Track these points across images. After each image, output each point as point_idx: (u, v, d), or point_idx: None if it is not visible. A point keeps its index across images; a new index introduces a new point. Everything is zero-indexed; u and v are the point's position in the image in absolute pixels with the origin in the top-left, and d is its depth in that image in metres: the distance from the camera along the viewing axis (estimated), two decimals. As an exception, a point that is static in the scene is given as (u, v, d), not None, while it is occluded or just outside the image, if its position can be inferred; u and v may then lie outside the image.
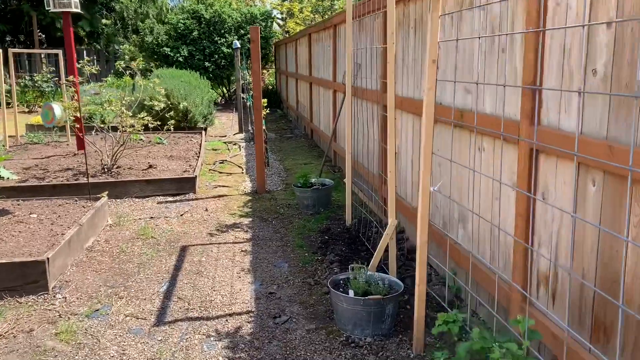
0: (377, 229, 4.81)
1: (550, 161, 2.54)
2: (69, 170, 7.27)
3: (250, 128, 10.68)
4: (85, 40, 21.23)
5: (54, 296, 3.83)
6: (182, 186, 6.59)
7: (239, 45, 12.15)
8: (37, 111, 15.33)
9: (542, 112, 2.57)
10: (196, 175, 6.68)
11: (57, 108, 5.03)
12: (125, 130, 6.98)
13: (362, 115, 5.94)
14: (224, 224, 5.49)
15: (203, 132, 10.81)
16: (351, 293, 3.22)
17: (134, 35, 19.49)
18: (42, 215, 5.01)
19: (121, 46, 15.86)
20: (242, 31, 18.71)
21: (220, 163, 8.83)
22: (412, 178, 4.61)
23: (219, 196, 6.57)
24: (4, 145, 8.81)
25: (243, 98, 12.67)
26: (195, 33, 18.18)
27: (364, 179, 6.01)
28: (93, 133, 7.21)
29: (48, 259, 3.83)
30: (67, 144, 9.28)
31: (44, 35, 19.50)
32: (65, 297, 3.82)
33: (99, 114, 7.47)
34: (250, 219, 5.65)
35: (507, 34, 2.82)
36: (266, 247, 4.84)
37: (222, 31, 18.52)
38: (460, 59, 3.50)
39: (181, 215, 5.80)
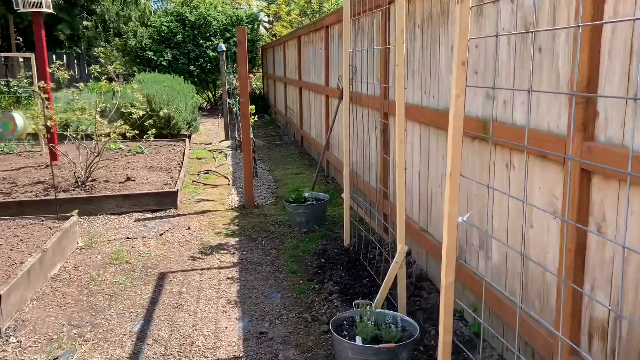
0: (379, 251, 4.30)
1: (609, 185, 2.05)
2: (40, 183, 6.67)
3: (237, 135, 10.14)
4: (66, 43, 20.54)
5: (7, 340, 3.27)
6: (163, 201, 6.03)
7: (224, 48, 11.61)
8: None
9: (597, 125, 2.08)
10: (178, 189, 6.13)
11: (18, 118, 4.47)
12: (100, 140, 6.41)
13: (360, 123, 5.44)
14: (209, 245, 4.94)
15: (187, 139, 10.24)
16: (358, 340, 2.70)
17: (116, 39, 18.86)
18: (1, 239, 4.43)
19: (96, 49, 15.25)
20: (227, 34, 18.17)
21: (205, 173, 8.27)
22: (419, 192, 4.11)
23: (203, 212, 6.02)
24: (-30, 156, 8.17)
25: (229, 103, 12.13)
26: (179, 36, 17.61)
27: (362, 193, 5.50)
28: (66, 142, 6.63)
29: (0, 295, 3.27)
30: (41, 154, 8.66)
31: (21, 39, 18.78)
32: (20, 341, 3.25)
33: (75, 122, 6.89)
34: (238, 239, 5.11)
35: (549, 29, 2.33)
36: (255, 272, 4.30)
37: (208, 34, 17.96)
38: (481, 61, 3.01)
39: (160, 235, 5.24)
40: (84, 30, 18.72)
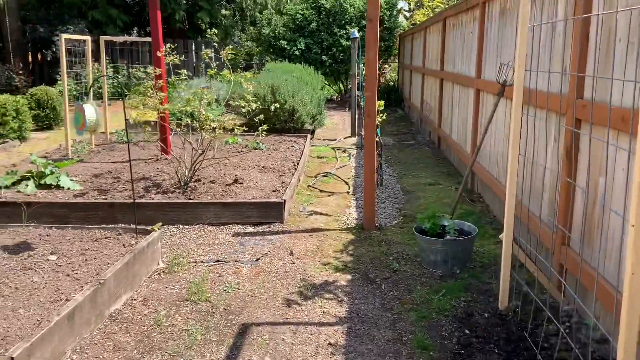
0: (554, 326, 2.82)
1: None
2: (143, 180, 6.02)
3: (362, 133, 8.91)
4: (206, 31, 20.87)
5: (18, 420, 2.37)
6: (268, 213, 5.01)
7: (357, 35, 10.44)
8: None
9: None
10: (284, 200, 5.06)
11: (89, 110, 3.67)
12: (206, 137, 5.56)
13: (528, 131, 3.92)
14: (311, 283, 3.79)
15: (309, 135, 9.25)
16: None
17: (251, 27, 18.64)
18: (63, 257, 3.66)
19: (208, 31, 14.78)
20: (364, 21, 17.00)
21: (323, 176, 7.18)
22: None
23: (313, 230, 4.89)
24: (88, 144, 7.90)
25: (358, 96, 10.95)
26: (313, 24, 16.82)
27: (527, 229, 3.98)
28: (178, 133, 5.90)
29: (12, 358, 2.38)
30: (156, 145, 8.18)
31: (166, 27, 19.32)
32: None
33: (177, 113, 6.16)
34: (350, 277, 3.90)
35: None
36: (369, 339, 3.05)
37: (342, 22, 16.96)
38: None
39: (256, 260, 4.20)
40: (222, 18, 18.73)
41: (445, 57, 8.34)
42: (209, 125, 5.47)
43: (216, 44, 8.52)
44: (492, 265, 4.05)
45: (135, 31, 20.44)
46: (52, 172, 5.69)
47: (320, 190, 6.37)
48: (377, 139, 8.80)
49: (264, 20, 17.34)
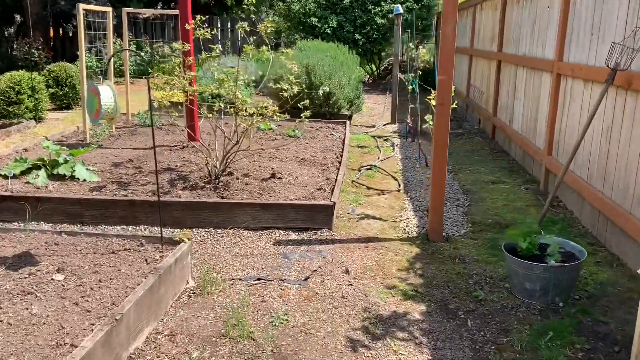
0: None
1: None
2: (168, 172, 5.31)
3: (407, 119, 8.08)
4: (234, 9, 19.99)
5: None
6: (314, 217, 4.25)
7: (401, 10, 9.52)
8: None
9: None
10: (334, 203, 4.29)
11: (105, 93, 2.93)
12: (240, 124, 4.81)
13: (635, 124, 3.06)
14: (377, 315, 3.03)
15: (347, 121, 8.44)
16: None
17: (279, 3, 17.71)
18: (72, 276, 2.95)
19: (240, 6, 13.86)
20: (400, -1, 15.97)
21: (367, 169, 6.39)
22: None
23: (368, 240, 4.12)
24: (108, 128, 7.21)
25: (403, 79, 10.06)
26: (346, 1, 15.84)
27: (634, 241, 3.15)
28: (215, 117, 5.13)
29: None
30: (183, 130, 7.46)
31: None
32: None
33: (208, 95, 5.40)
34: (424, 308, 3.13)
35: None
36: (468, 409, 2.29)
37: (378, -2, 15.95)
38: None
39: (305, 279, 3.45)
40: (250, -7, 17.88)
41: (506, 37, 7.41)
42: (246, 110, 4.70)
43: (252, 17, 7.73)
44: (601, 295, 3.24)
45: (159, 7, 19.68)
46: (66, 161, 5.01)
47: (368, 187, 5.58)
48: (409, 123, 8.01)
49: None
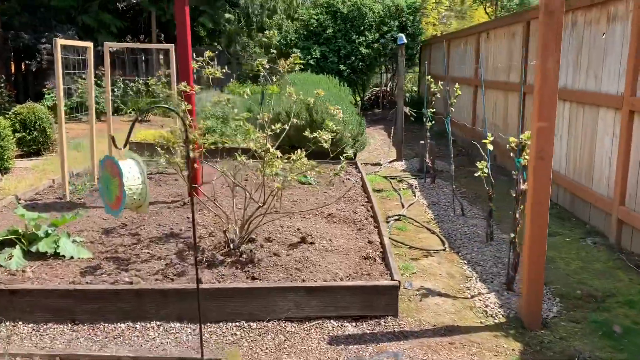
0: None
1: None
2: (173, 238, 4.36)
3: (427, 159, 7.31)
4: (206, 40, 19.16)
5: None
6: (373, 302, 3.35)
7: (404, 40, 8.87)
8: (148, 121, 13.12)
9: None
10: (399, 282, 3.40)
11: (130, 171, 2.05)
12: (267, 184, 3.91)
13: None
14: None
15: (358, 163, 7.62)
16: None
17: (259, 34, 17.02)
18: None
19: (237, 45, 13.46)
20: (385, 27, 15.47)
21: (395, 220, 5.56)
22: None
23: (448, 331, 3.25)
24: (89, 179, 6.19)
25: (407, 112, 9.37)
26: (329, 31, 15.24)
27: None
28: (216, 161, 4.21)
29: None
30: (176, 179, 6.49)
31: (163, 35, 17.63)
32: None
33: (220, 140, 4.49)
34: None
35: None
36: None
37: (361, 28, 15.42)
38: None
39: (396, 406, 2.55)
40: (226, 23, 17.10)
41: (529, 68, 6.77)
42: (276, 166, 3.80)
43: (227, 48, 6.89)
44: None
45: (129, 39, 18.71)
46: (47, 235, 3.98)
47: (409, 247, 4.73)
48: (428, 163, 7.27)
49: (274, 26, 15.73)
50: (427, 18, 21.64)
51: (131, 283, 3.46)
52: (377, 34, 15.42)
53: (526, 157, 3.58)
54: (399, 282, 3.38)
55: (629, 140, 4.41)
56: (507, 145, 3.66)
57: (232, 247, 4.03)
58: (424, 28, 18.48)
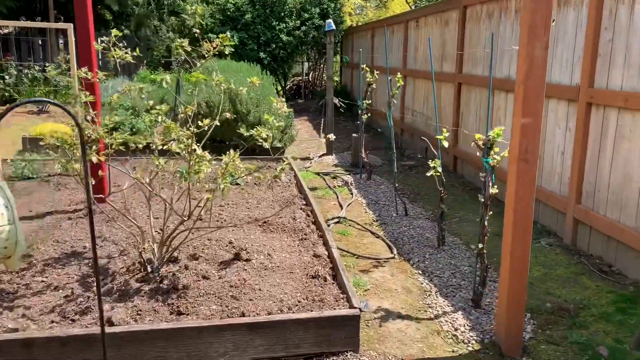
0: None
1: None
2: (74, 259, 3.54)
3: (362, 154, 6.84)
4: (112, 23, 17.61)
5: None
6: (328, 336, 2.77)
7: (333, 27, 8.33)
8: (48, 112, 11.70)
9: None
10: (359, 311, 2.84)
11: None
12: (207, 193, 3.22)
13: None
14: None
15: (289, 158, 7.00)
16: None
17: (172, 17, 15.81)
18: None
19: (148, 29, 12.27)
20: (305, 15, 14.89)
21: (335, 222, 5.04)
22: None
23: (418, 366, 2.76)
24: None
25: (337, 104, 8.87)
26: (248, 16, 14.42)
27: None
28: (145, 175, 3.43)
29: None
30: (81, 181, 5.55)
31: (62, 17, 15.93)
32: None
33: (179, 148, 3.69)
34: None
35: None
36: None
37: (282, 14, 14.73)
38: None
39: None
40: (134, 6, 15.73)
41: (468, 57, 6.46)
42: (204, 171, 3.11)
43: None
44: None
45: (23, 19, 16.77)
46: None
47: (356, 256, 4.21)
48: (363, 153, 6.81)
49: (188, 10, 14.66)
50: (344, 7, 21.30)
51: (16, 330, 2.65)
52: (299, 21, 14.81)
53: (495, 156, 3.16)
54: (360, 309, 2.82)
55: (586, 135, 4.13)
56: (472, 143, 3.21)
57: (150, 270, 3.30)
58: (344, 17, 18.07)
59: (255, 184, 5.72)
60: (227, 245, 3.80)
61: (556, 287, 3.64)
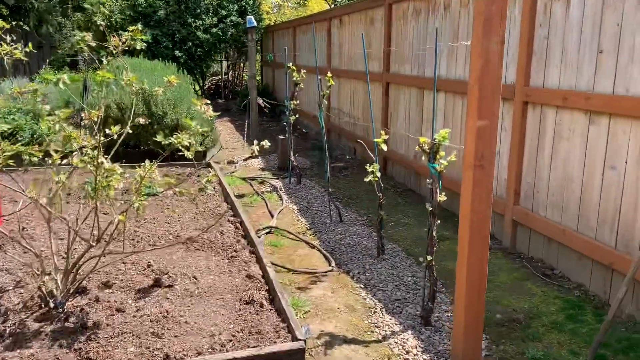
0: None
1: None
2: (-45, 299, 2.93)
3: (291, 158, 6.50)
4: (9, 19, 16.08)
5: None
6: (270, 372, 2.41)
7: (254, 23, 7.95)
8: None
9: None
10: (304, 343, 2.48)
11: None
12: (117, 214, 2.74)
13: None
14: None
15: (212, 164, 6.51)
16: None
17: (77, 14, 14.66)
18: None
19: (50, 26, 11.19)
20: (222, 11, 14.31)
21: (266, 233, 4.67)
22: None
23: (373, 399, 2.45)
24: None
25: (261, 104, 8.47)
26: (161, 12, 13.64)
27: None
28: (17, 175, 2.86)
29: None
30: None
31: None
32: None
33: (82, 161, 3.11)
34: None
35: None
36: None
37: (198, 11, 14.06)
38: None
39: None
40: (33, 1, 14.43)
41: (396, 56, 6.30)
42: (113, 187, 2.63)
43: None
44: None
45: None
46: None
47: (292, 271, 3.85)
48: (292, 158, 6.48)
49: (96, 5, 13.60)
50: (262, 6, 20.85)
51: None
52: (216, 18, 14.21)
53: (442, 161, 2.92)
54: (305, 341, 2.48)
55: (523, 135, 4.03)
56: (417, 147, 2.96)
57: (52, 305, 2.78)
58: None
59: (175, 193, 5.21)
60: (145, 269, 3.33)
61: (503, 295, 3.49)
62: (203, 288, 3.12)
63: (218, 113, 8.00)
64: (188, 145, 2.80)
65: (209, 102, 3.00)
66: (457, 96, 4.98)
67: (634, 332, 2.98)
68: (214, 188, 5.50)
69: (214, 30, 14.14)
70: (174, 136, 2.81)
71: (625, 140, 3.13)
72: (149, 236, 3.97)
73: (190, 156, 2.78)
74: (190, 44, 13.95)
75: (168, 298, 2.98)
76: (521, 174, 4.10)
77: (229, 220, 4.33)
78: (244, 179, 6.71)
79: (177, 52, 13.71)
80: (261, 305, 2.89)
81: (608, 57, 3.23)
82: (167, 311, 2.80)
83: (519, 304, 3.35)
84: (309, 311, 3.25)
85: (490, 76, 2.27)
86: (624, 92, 3.11)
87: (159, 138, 2.76)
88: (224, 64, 17.35)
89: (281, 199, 5.81)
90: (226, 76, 17.08)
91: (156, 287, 3.12)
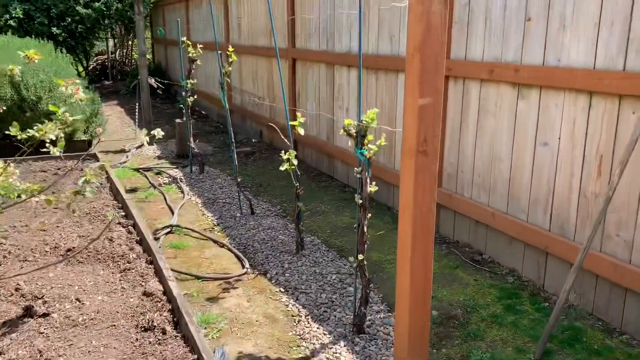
0: None
1: None
2: None
3: (191, 143, 5.86)
4: None
5: None
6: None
7: (141, -5, 7.07)
8: None
9: None
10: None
11: None
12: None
13: None
14: None
15: (98, 154, 5.70)
16: None
17: None
18: None
19: None
20: (104, -17, 12.98)
21: (167, 233, 4.08)
22: None
23: None
24: None
25: (153, 84, 7.66)
26: (31, -16, 12.09)
27: None
28: None
29: None
30: None
31: None
32: None
33: None
34: None
35: None
36: None
37: (76, -18, 12.64)
38: None
39: None
40: None
41: (302, 31, 5.83)
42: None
43: None
44: None
45: None
46: None
47: (200, 278, 3.32)
48: (192, 144, 5.85)
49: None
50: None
51: None
52: (98, -8, 12.88)
53: (371, 146, 2.53)
54: (221, 378, 2.00)
55: (444, 110, 3.75)
56: (341, 131, 2.54)
57: None
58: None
59: (52, 192, 4.43)
60: (12, 294, 2.66)
61: (435, 287, 3.21)
62: (89, 314, 2.52)
63: (96, 95, 7.09)
64: (55, 138, 2.17)
65: (78, 81, 2.36)
66: (370, 72, 4.62)
67: (576, 320, 2.81)
68: (101, 184, 4.78)
69: (97, 4, 12.83)
70: (35, 128, 2.16)
71: (558, 114, 2.92)
72: (18, 249, 3.25)
73: (57, 152, 2.16)
74: (69, 19, 12.55)
75: (42, 332, 2.35)
76: (443, 153, 3.84)
77: (119, 223, 3.69)
78: (137, 169, 5.97)
79: (54, 29, 12.27)
80: (163, 332, 2.36)
81: (537, 25, 2.99)
82: (40, 351, 2.19)
83: (454, 297, 3.09)
84: (223, 328, 2.76)
85: (433, 44, 1.88)
86: (556, 63, 2.89)
87: (13, 131, 2.11)
88: (111, 42, 15.92)
89: (182, 192, 5.19)
90: (113, 55, 15.67)
91: (27, 317, 2.47)
